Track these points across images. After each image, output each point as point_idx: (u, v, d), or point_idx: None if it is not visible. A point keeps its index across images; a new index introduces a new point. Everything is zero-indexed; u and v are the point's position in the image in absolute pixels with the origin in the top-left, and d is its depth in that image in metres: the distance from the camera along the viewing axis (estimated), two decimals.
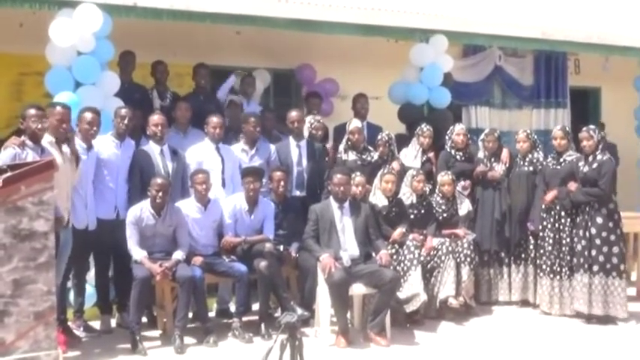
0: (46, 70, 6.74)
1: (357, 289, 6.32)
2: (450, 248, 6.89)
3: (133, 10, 6.98)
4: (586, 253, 6.77)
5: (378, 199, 6.88)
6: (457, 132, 7.69)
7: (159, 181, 6.26)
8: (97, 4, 6.56)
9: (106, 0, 6.72)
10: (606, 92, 11.56)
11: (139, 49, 7.56)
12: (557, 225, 7.04)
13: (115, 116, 6.50)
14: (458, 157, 7.64)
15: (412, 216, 7.00)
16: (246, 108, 7.91)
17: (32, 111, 5.53)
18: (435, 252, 6.88)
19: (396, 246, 6.72)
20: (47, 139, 5.68)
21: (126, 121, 6.48)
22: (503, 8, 9.46)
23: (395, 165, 7.29)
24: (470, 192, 7.59)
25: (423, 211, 7.07)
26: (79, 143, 6.09)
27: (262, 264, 6.33)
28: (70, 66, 6.61)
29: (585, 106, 11.70)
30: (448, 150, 7.69)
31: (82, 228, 6.15)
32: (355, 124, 7.58)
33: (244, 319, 6.42)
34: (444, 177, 7.25)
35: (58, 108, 5.81)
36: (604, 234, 6.71)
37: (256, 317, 6.50)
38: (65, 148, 5.80)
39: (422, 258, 6.67)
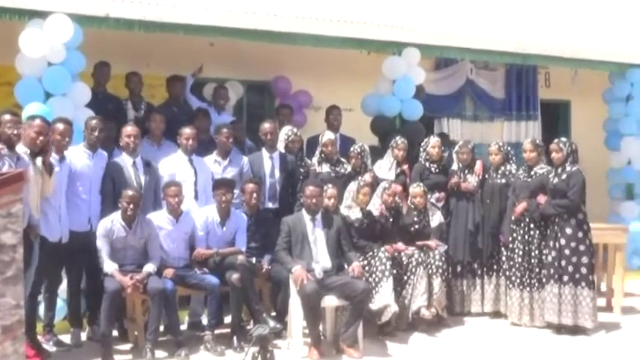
0: (17, 80, 6.67)
1: (330, 301, 6.31)
2: (420, 259, 6.92)
3: (104, 21, 6.95)
4: (556, 263, 6.83)
5: (354, 212, 6.88)
6: (432, 144, 7.73)
7: (130, 193, 6.22)
8: (67, 14, 6.51)
9: (77, 10, 6.69)
10: (576, 105, 11.72)
11: (111, 60, 7.51)
12: (526, 237, 7.10)
13: (86, 127, 6.45)
14: (432, 169, 7.68)
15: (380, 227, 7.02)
16: (218, 119, 7.89)
17: (7, 116, 5.48)
18: (407, 263, 6.91)
19: (368, 257, 6.73)
20: (22, 150, 5.62)
21: (96, 133, 6.43)
22: (475, 22, 9.57)
23: (367, 177, 7.30)
24: (444, 203, 7.64)
25: (391, 221, 7.09)
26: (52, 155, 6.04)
27: (234, 276, 6.30)
28: (40, 77, 6.55)
29: (555, 119, 11.85)
30: (422, 162, 7.74)
31: (56, 241, 6.09)
32: (328, 136, 7.60)
33: (216, 331, 6.39)
34: (415, 189, 7.29)
35: (37, 121, 5.73)
36: (573, 244, 6.78)
37: (228, 330, 6.47)
38: (38, 160, 5.74)
39: (394, 270, 6.69)
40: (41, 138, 5.69)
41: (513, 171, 7.52)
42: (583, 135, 10.55)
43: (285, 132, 7.65)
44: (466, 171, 7.69)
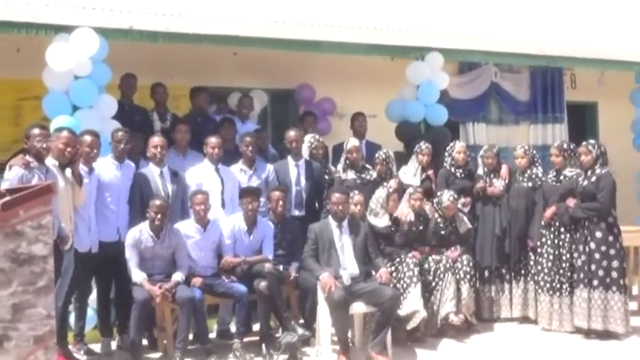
0: (44, 94, 6.76)
1: (358, 308, 6.30)
2: (448, 265, 6.89)
3: (129, 33, 7.01)
4: (586, 267, 6.75)
5: (382, 219, 6.86)
6: (458, 150, 7.69)
7: (157, 203, 6.27)
8: (93, 28, 6.59)
9: (102, 24, 6.76)
10: (603, 106, 11.58)
11: (136, 72, 7.58)
12: (556, 241, 7.03)
13: (112, 139, 6.53)
14: (458, 174, 7.64)
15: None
16: (242, 128, 7.93)
17: (36, 130, 5.57)
18: (435, 269, 6.87)
19: (395, 264, 6.72)
20: (51, 162, 5.70)
21: (122, 145, 6.51)
22: (498, 25, 9.52)
23: (392, 183, 7.29)
24: (470, 208, 7.59)
25: (421, 229, 7.07)
26: (80, 166, 6.10)
27: (262, 284, 6.32)
28: (67, 90, 6.63)
29: (582, 121, 11.73)
30: (448, 167, 7.70)
31: (85, 251, 6.15)
32: (353, 142, 7.59)
33: (245, 339, 6.39)
34: (450, 203, 7.13)
35: (65, 133, 5.83)
36: (603, 248, 6.70)
37: (257, 338, 6.48)
38: (68, 172, 5.81)
39: (421, 276, 6.66)
40: (69, 149, 5.78)
41: (540, 174, 7.45)
42: (611, 137, 10.42)
43: (309, 139, 7.67)
44: (492, 175, 7.64)
